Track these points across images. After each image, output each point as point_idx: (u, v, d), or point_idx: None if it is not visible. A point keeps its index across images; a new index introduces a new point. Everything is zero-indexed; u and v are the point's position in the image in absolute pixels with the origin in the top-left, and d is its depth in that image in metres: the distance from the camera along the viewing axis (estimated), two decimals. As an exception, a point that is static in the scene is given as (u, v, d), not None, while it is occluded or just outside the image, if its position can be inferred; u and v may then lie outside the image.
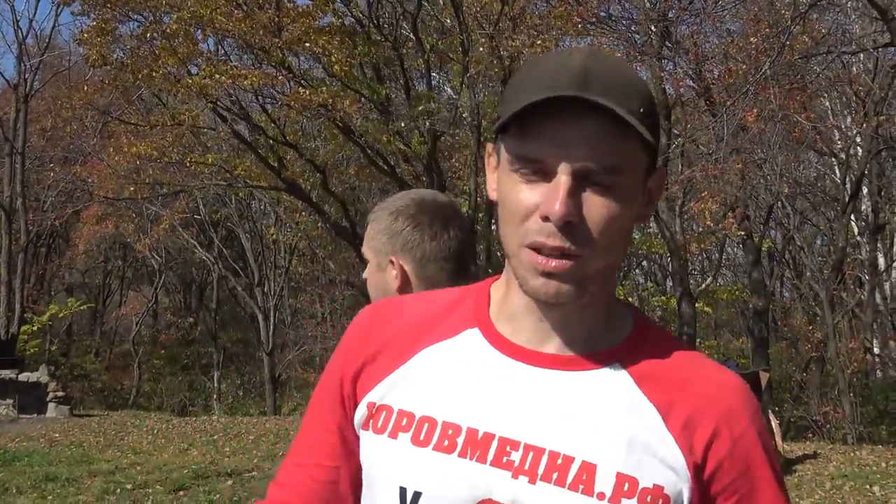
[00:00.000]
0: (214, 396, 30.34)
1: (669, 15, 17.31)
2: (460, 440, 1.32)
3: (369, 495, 1.41)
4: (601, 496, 1.26)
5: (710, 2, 16.60)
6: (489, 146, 1.40)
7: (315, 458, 1.50)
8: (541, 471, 1.28)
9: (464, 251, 2.37)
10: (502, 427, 1.31)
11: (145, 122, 18.73)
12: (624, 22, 18.77)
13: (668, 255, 23.54)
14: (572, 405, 1.32)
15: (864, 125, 19.31)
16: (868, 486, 10.31)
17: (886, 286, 24.64)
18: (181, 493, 10.94)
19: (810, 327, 22.95)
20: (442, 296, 1.51)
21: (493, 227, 20.43)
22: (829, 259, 23.18)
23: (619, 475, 1.27)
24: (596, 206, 1.25)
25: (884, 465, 11.72)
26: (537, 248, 1.26)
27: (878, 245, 24.33)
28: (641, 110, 1.26)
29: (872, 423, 19.61)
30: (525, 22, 15.61)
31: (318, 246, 29.00)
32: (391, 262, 2.33)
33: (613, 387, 1.33)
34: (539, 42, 15.06)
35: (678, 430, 1.30)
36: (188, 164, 18.99)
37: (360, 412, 1.43)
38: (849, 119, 22.33)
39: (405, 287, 2.32)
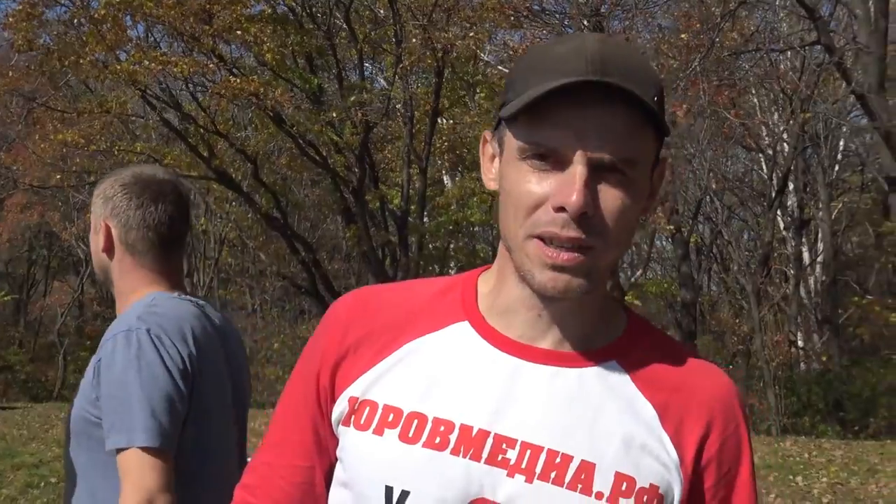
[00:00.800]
0: (142, 388, 29.92)
1: (602, 10, 17.42)
2: (453, 437, 1.27)
3: (349, 495, 1.35)
4: (599, 496, 1.24)
5: (642, -2, 16.75)
6: (486, 134, 1.37)
7: (288, 459, 1.44)
8: (538, 469, 1.25)
9: (171, 227, 2.46)
10: (498, 424, 1.27)
11: (72, 109, 18.40)
12: (557, 16, 18.87)
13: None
14: (569, 403, 1.29)
15: (791, 122, 19.65)
16: (791, 477, 10.49)
17: (811, 280, 25.08)
18: (107, 485, 10.76)
19: (737, 321, 23.27)
20: (424, 286, 1.46)
21: (426, 219, 20.44)
22: (756, 253, 23.52)
23: (617, 474, 1.26)
24: (611, 198, 1.22)
25: (806, 455, 11.92)
26: (547, 239, 1.22)
27: (803, 240, 24.75)
28: (656, 99, 1.23)
29: (796, 415, 19.95)
30: (458, 14, 15.59)
31: (249, 236, 28.75)
32: (102, 224, 2.44)
33: (610, 384, 1.31)
34: (472, 34, 15.06)
35: (673, 430, 1.30)
36: (116, 153, 18.70)
37: (340, 407, 1.36)
38: (776, 116, 22.69)
39: (109, 250, 2.45)
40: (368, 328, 1.38)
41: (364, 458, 1.32)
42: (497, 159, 1.32)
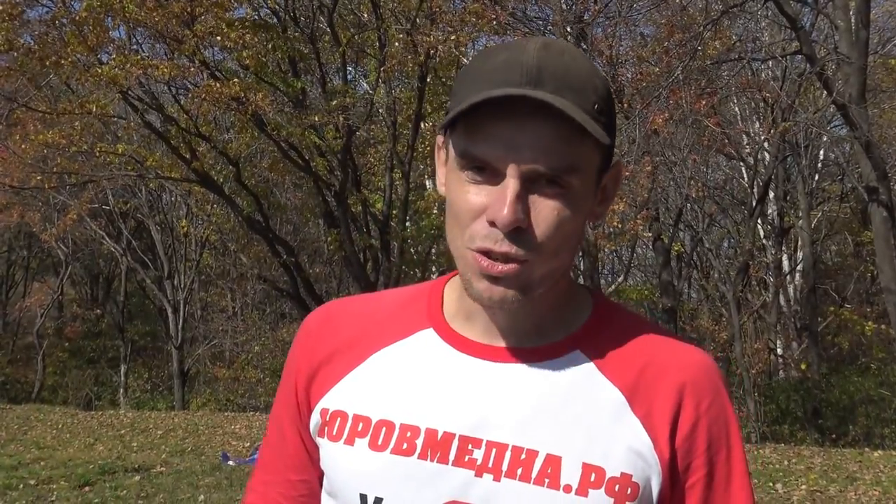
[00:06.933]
0: (121, 390, 29.82)
1: (585, 17, 17.47)
2: (419, 442, 1.28)
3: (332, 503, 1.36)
4: (567, 489, 1.23)
5: (625, 6, 16.81)
6: (439, 139, 1.35)
7: (282, 474, 1.46)
8: (505, 467, 1.24)
9: None
10: (462, 425, 1.27)
11: (53, 109, 18.32)
12: (539, 22, 18.92)
13: (580, 254, 23.76)
14: (532, 398, 1.28)
15: (772, 131, 19.71)
16: (771, 484, 10.53)
17: (790, 288, 25.20)
18: (86, 488, 10.71)
19: (716, 328, 23.33)
20: (391, 296, 1.47)
21: (407, 223, 20.44)
22: (736, 261, 23.61)
23: (584, 465, 1.24)
24: (545, 211, 1.20)
25: (786, 462, 11.97)
26: (484, 253, 1.21)
27: (783, 248, 24.87)
28: (596, 107, 1.21)
29: (775, 422, 20.04)
30: (441, 18, 15.60)
31: (230, 239, 28.66)
32: None
33: (574, 375, 1.30)
34: (453, 38, 15.05)
35: (643, 413, 1.28)
36: (97, 154, 18.62)
37: (315, 420, 1.38)
38: (757, 125, 22.79)
39: None
40: (338, 340, 1.40)
41: (338, 469, 1.33)
42: (446, 166, 1.31)
